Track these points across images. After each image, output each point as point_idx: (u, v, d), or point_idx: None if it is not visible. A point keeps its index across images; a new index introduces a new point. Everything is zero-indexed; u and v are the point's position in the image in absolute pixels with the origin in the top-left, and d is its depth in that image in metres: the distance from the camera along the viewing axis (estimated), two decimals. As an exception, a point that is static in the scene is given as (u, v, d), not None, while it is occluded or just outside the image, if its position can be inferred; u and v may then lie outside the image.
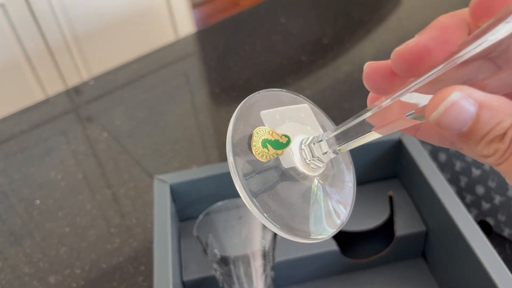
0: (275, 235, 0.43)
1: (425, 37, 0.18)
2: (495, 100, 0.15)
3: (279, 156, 0.21)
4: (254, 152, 0.20)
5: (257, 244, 0.43)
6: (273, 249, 0.43)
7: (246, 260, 0.42)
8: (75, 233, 0.55)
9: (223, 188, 0.46)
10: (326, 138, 0.20)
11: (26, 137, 0.70)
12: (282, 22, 0.91)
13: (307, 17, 0.92)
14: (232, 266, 0.42)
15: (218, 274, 0.42)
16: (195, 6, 2.53)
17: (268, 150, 0.21)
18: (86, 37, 1.48)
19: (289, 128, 0.21)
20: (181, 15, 1.65)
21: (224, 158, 0.62)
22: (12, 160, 0.66)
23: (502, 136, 0.15)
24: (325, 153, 0.20)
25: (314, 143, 0.21)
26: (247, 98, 0.21)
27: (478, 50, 0.15)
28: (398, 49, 0.18)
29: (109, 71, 0.83)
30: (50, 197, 0.60)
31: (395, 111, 0.17)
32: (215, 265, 0.42)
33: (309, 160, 0.21)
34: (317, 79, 0.75)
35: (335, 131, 0.20)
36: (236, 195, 0.44)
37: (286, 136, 0.21)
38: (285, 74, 0.77)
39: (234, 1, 2.61)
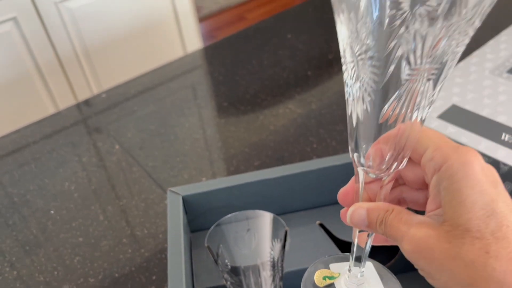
0: (283, 246, 0.45)
1: (347, 186, 0.31)
2: (377, 204, 0.28)
3: (334, 283, 0.34)
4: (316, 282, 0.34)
5: (266, 255, 0.44)
6: (282, 260, 0.44)
7: (255, 270, 0.43)
8: (88, 243, 0.56)
9: (233, 201, 0.48)
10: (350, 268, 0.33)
11: (39, 148, 0.72)
12: (289, 38, 0.93)
13: (313, 33, 0.94)
14: (242, 276, 0.43)
15: (228, 284, 0.43)
16: (201, 19, 2.57)
17: (324, 280, 0.34)
18: (96, 50, 1.51)
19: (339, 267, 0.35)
20: (189, 29, 1.68)
21: (231, 170, 0.63)
22: (26, 171, 0.68)
23: (381, 221, 0.27)
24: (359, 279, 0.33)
25: (349, 271, 0.33)
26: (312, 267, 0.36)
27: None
28: (339, 193, 0.31)
29: (120, 84, 0.85)
30: (64, 208, 0.61)
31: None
32: (225, 275, 0.44)
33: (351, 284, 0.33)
34: (322, 93, 0.77)
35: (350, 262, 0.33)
36: (245, 208, 0.46)
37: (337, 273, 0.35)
38: (292, 88, 0.79)
39: (240, 15, 2.65)
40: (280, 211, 0.50)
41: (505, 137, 0.48)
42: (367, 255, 0.32)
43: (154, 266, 0.53)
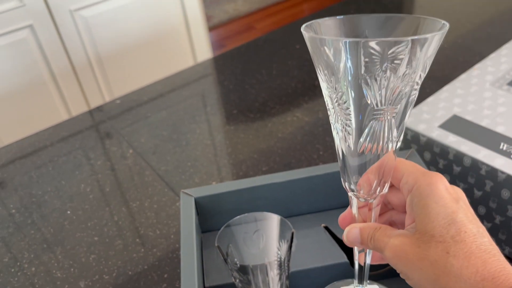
0: (290, 247, 0.47)
1: (345, 212, 0.37)
2: (368, 224, 0.34)
3: None
4: None
5: (274, 254, 0.46)
6: (288, 260, 0.47)
7: (263, 269, 0.46)
8: (103, 242, 0.59)
9: (242, 203, 0.50)
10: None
11: (56, 151, 0.75)
12: (297, 48, 0.96)
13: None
14: (250, 275, 0.46)
15: (237, 282, 0.46)
16: (211, 29, 2.61)
17: None
18: (108, 58, 1.55)
19: None
20: (199, 38, 1.72)
21: (240, 175, 0.66)
22: (44, 173, 0.71)
23: (371, 237, 0.32)
24: None
25: None
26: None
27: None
28: (339, 218, 0.38)
29: (134, 91, 0.88)
30: (80, 209, 0.64)
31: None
32: (235, 274, 0.46)
33: None
34: (330, 103, 0.79)
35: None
36: (253, 210, 0.48)
37: None
38: (300, 97, 0.81)
39: (249, 24, 2.69)
40: (287, 214, 0.53)
41: (503, 146, 0.50)
42: (368, 274, 0.38)
43: (166, 265, 0.55)
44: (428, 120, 0.55)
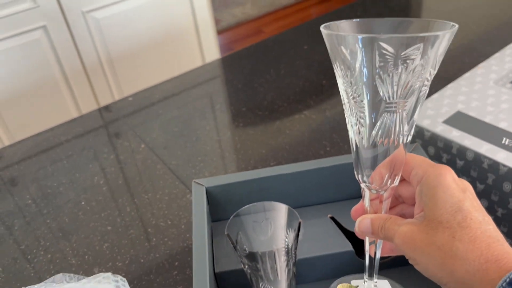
0: (297, 236, 0.49)
1: (357, 205, 0.39)
2: (379, 215, 0.35)
3: None
4: None
5: (281, 242, 0.48)
6: (296, 248, 0.48)
7: (271, 256, 0.47)
8: (116, 231, 0.61)
9: (252, 193, 0.52)
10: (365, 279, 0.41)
11: (71, 146, 0.78)
12: (305, 49, 0.98)
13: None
14: (259, 261, 0.47)
15: (246, 268, 0.48)
16: (219, 32, 2.64)
17: None
18: (118, 59, 1.58)
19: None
20: (208, 41, 1.74)
21: (248, 170, 0.68)
22: (59, 166, 0.73)
23: (381, 227, 0.34)
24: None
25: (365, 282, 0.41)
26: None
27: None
28: (352, 210, 0.39)
29: (146, 89, 0.90)
30: (94, 199, 0.66)
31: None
32: (244, 260, 0.48)
33: None
34: (337, 101, 0.81)
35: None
36: (262, 200, 0.50)
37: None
38: (307, 96, 0.83)
39: (257, 28, 2.72)
40: (295, 205, 0.54)
41: (505, 141, 0.51)
42: (377, 267, 0.39)
43: (176, 253, 0.57)
44: (432, 116, 0.57)
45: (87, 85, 1.55)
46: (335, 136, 0.72)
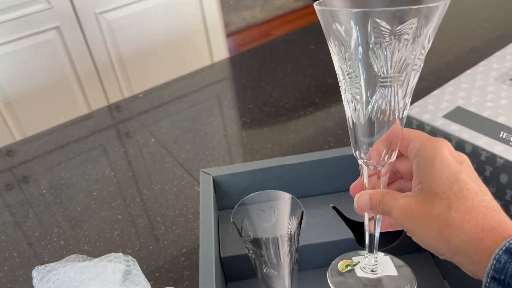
0: (300, 224, 0.51)
1: (356, 182, 0.39)
2: (377, 190, 0.36)
3: (354, 268, 0.43)
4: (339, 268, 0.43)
5: (284, 229, 0.50)
6: (298, 234, 0.50)
7: (275, 242, 0.49)
8: (126, 220, 0.63)
9: (257, 183, 0.54)
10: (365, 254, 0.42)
11: (84, 140, 0.80)
12: (312, 49, 1.00)
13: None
14: (263, 247, 0.49)
15: (251, 253, 0.49)
16: (228, 35, 2.67)
17: (346, 267, 0.43)
18: (129, 59, 1.61)
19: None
20: (217, 43, 1.77)
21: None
22: (72, 159, 0.76)
23: (379, 201, 0.35)
24: (373, 263, 0.41)
25: (365, 257, 0.42)
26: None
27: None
28: (350, 187, 0.40)
29: (156, 86, 0.93)
30: (105, 190, 0.69)
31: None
32: (248, 246, 0.50)
33: (367, 268, 0.42)
34: (341, 99, 0.83)
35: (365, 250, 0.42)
36: (267, 189, 0.52)
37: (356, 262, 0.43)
38: (313, 94, 0.85)
39: (266, 31, 2.74)
40: (298, 195, 0.56)
41: (503, 135, 0.53)
42: (377, 242, 0.40)
43: (184, 241, 0.59)
44: (432, 110, 0.58)
45: (98, 84, 1.58)
46: (340, 132, 0.74)
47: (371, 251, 0.41)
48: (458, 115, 0.57)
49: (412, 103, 0.58)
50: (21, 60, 1.41)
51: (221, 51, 1.79)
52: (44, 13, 1.41)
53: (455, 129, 0.55)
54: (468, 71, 0.65)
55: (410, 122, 0.58)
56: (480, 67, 0.66)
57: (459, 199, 0.30)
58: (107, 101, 1.62)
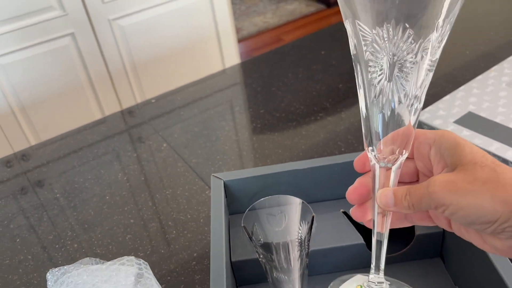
0: (310, 229, 0.51)
1: (356, 183, 0.38)
2: (399, 187, 0.34)
3: None
4: None
5: (295, 234, 0.50)
6: (309, 239, 0.51)
7: (285, 246, 0.50)
8: (139, 224, 0.64)
9: (267, 188, 0.55)
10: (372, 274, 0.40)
11: (97, 145, 0.82)
12: (323, 54, 1.00)
13: (344, 49, 1.01)
14: (273, 251, 0.50)
15: (261, 258, 0.50)
16: (240, 40, 2.69)
17: None
18: (142, 65, 1.63)
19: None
20: (229, 49, 1.78)
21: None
22: (85, 164, 0.77)
23: (406, 194, 0.32)
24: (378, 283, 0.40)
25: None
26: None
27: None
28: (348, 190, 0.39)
29: (168, 92, 0.94)
30: (118, 194, 0.70)
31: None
32: (258, 250, 0.50)
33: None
34: (352, 104, 0.83)
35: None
36: (277, 194, 0.52)
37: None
38: (324, 100, 0.85)
39: (277, 36, 2.75)
40: (308, 200, 0.56)
41: (515, 140, 0.53)
42: (384, 257, 0.39)
43: (195, 245, 0.60)
44: (443, 116, 0.58)
45: (111, 89, 1.60)
46: (350, 137, 0.74)
47: (377, 268, 0.40)
48: (470, 120, 0.57)
49: (423, 108, 0.58)
50: (36, 66, 1.44)
51: (232, 56, 1.80)
52: (59, 20, 1.43)
53: (466, 134, 0.54)
54: (479, 77, 0.65)
55: (421, 128, 0.58)
56: (492, 72, 0.66)
57: (499, 166, 0.29)
58: (120, 106, 1.63)
